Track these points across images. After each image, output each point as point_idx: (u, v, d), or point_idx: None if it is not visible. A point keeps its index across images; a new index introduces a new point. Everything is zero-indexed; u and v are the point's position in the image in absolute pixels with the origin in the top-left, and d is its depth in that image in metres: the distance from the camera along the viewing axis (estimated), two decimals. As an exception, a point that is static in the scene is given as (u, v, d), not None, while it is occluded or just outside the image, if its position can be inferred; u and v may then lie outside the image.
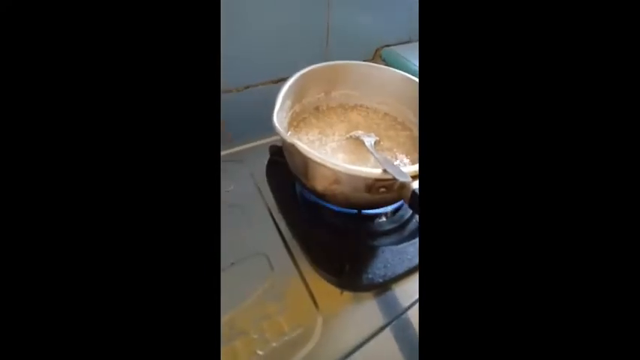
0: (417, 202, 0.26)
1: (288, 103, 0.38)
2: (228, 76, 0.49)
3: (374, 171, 0.27)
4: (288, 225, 0.36)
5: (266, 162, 0.42)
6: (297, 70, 0.38)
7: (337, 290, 0.32)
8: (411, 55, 0.59)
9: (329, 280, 0.32)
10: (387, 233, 0.36)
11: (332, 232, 0.35)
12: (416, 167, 0.27)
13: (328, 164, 0.27)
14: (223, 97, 0.51)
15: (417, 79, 0.40)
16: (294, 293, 0.31)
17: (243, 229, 0.36)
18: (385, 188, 0.28)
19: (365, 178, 0.27)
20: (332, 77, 0.42)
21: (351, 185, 0.29)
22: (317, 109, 0.44)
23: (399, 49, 0.61)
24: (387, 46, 0.62)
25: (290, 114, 0.40)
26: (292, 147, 0.29)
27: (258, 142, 0.47)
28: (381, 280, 0.31)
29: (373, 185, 0.28)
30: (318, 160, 0.27)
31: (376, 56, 0.62)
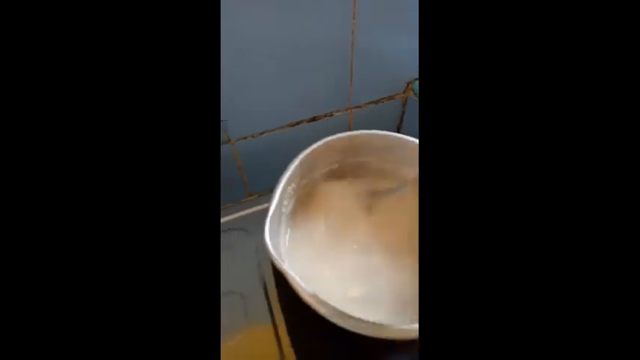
0: None
1: (293, 186, 0.34)
2: (242, 123, 0.46)
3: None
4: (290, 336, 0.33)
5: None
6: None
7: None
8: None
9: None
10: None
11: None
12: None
13: (321, 310, 0.24)
14: (238, 144, 0.48)
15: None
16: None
17: (237, 324, 0.33)
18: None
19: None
20: (347, 148, 0.38)
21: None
22: (330, 177, 0.39)
23: (435, 82, 0.54)
24: (421, 77, 0.55)
25: (297, 190, 0.36)
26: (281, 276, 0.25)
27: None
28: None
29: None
30: (309, 301, 0.24)
31: (408, 90, 0.55)
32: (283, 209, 0.33)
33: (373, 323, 0.23)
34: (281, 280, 0.26)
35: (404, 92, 0.55)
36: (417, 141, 0.36)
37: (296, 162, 0.32)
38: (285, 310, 0.34)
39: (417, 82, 0.55)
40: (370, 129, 0.48)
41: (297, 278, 0.25)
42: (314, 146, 0.34)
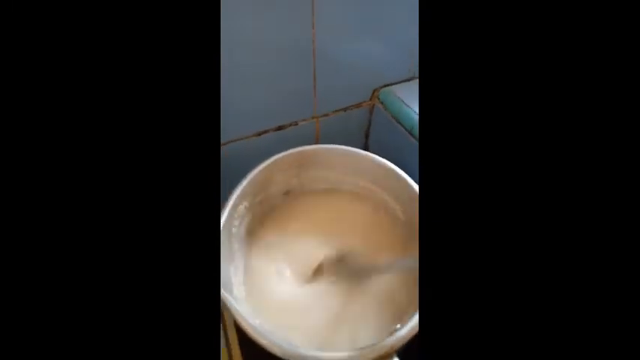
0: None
1: (245, 205, 0.33)
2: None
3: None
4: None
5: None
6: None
7: None
8: (413, 96, 0.52)
9: None
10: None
11: None
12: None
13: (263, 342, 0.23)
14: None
15: (391, 166, 0.34)
16: None
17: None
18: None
19: None
20: (302, 162, 0.37)
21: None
22: (287, 193, 0.38)
23: (400, 89, 0.54)
24: (387, 85, 0.54)
25: (251, 208, 0.35)
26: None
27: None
28: None
29: None
30: (251, 333, 0.23)
31: (374, 97, 0.55)
32: (234, 230, 0.32)
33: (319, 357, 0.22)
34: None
35: (370, 100, 0.55)
36: (371, 155, 0.35)
37: (247, 179, 0.31)
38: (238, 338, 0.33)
39: (383, 89, 0.54)
40: (338, 137, 0.47)
41: (240, 310, 0.24)
42: (266, 163, 0.33)
